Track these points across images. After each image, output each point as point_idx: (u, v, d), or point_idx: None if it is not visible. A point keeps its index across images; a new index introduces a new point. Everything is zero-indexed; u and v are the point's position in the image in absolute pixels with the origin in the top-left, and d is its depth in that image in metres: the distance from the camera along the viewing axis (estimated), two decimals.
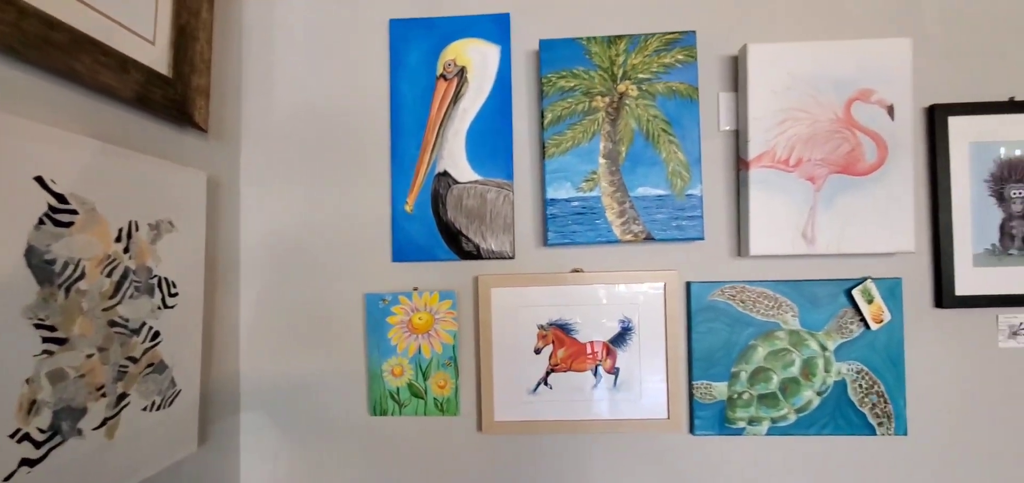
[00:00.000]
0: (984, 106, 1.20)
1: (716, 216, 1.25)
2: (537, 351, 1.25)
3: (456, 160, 1.27)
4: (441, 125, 1.27)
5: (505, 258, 1.25)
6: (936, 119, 1.20)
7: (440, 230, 1.26)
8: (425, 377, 1.26)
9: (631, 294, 1.24)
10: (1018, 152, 1.20)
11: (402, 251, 1.28)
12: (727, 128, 1.25)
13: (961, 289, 1.20)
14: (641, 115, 1.21)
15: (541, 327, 1.25)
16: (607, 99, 1.21)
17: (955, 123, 1.20)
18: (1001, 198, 1.20)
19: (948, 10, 1.24)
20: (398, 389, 1.27)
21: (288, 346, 1.31)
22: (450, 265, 1.29)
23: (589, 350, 1.25)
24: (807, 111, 1.18)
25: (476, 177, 1.26)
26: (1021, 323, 1.21)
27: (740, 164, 1.23)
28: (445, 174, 1.27)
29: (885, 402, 1.20)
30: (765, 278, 1.24)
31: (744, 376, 1.22)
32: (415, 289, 1.27)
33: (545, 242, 1.23)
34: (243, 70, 1.34)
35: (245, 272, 1.32)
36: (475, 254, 1.26)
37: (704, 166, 1.24)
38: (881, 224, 1.17)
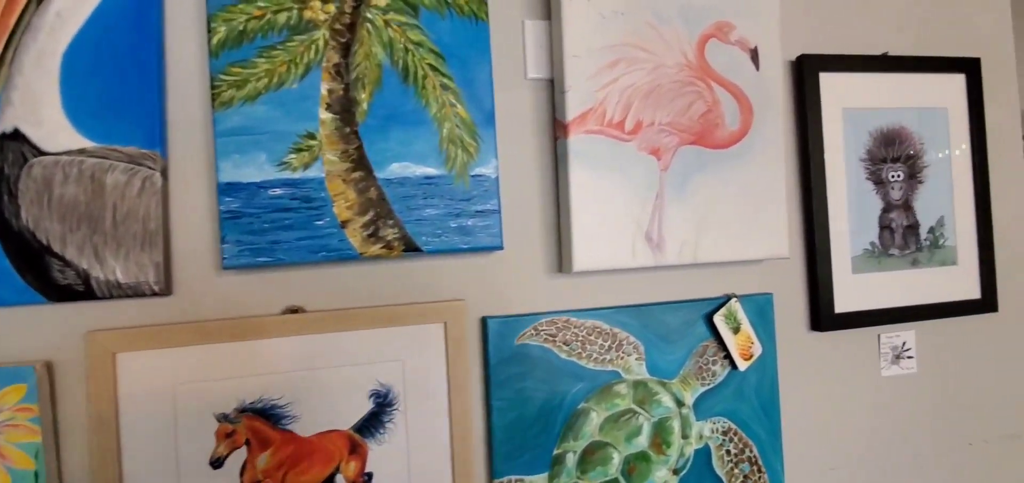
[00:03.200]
0: (858, 61, 0.91)
1: (525, 212, 0.80)
2: (217, 462, 0.68)
3: (39, 109, 0.65)
4: (9, 44, 0.65)
5: (147, 295, 0.67)
6: (805, 74, 0.89)
7: (4, 245, 0.64)
8: None
9: (389, 346, 0.73)
10: (894, 122, 0.93)
11: None
12: (538, 75, 0.80)
13: (841, 305, 0.90)
14: (395, 41, 0.71)
15: (225, 418, 0.69)
16: (333, 8, 0.70)
17: (827, 82, 0.90)
18: (878, 182, 0.92)
19: None
20: None
21: None
22: (27, 314, 0.66)
23: (318, 449, 0.71)
24: (648, 49, 0.78)
25: (82, 143, 0.65)
26: (904, 343, 0.94)
27: (557, 129, 0.79)
28: (16, 136, 0.65)
29: (759, 471, 0.85)
30: (598, 304, 0.82)
31: (572, 460, 0.79)
32: None
33: (222, 263, 0.67)
34: None
35: None
36: (81, 290, 0.65)
37: (503, 131, 0.79)
38: (748, 219, 0.82)
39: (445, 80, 0.72)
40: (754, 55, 0.81)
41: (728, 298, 0.84)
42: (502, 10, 0.79)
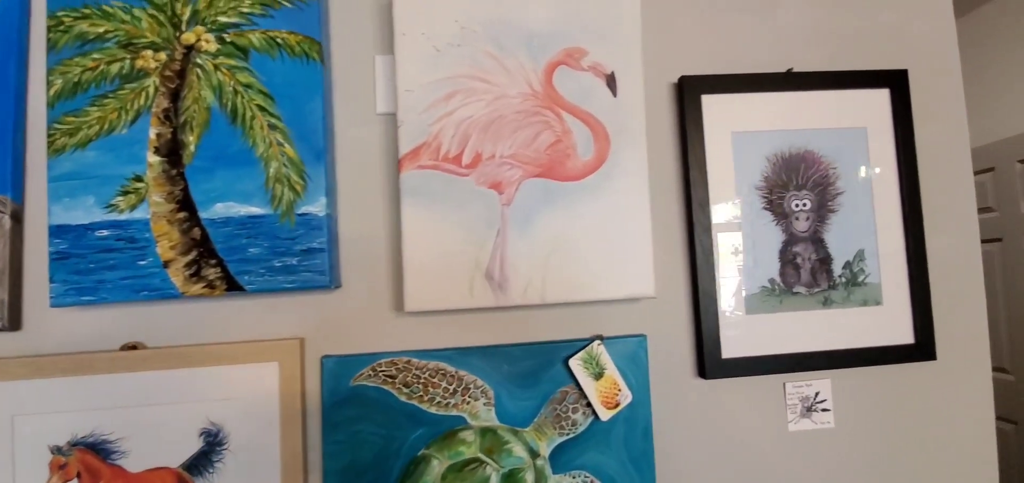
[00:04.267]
0: (751, 80, 0.83)
1: (368, 249, 0.78)
2: None
3: None
4: None
5: None
6: (686, 98, 0.82)
7: None
8: None
9: (222, 385, 0.74)
10: (799, 146, 0.84)
11: None
12: (385, 110, 0.79)
13: (731, 349, 0.80)
14: (224, 84, 0.73)
15: (58, 450, 0.71)
16: (164, 56, 0.72)
17: (712, 104, 0.82)
18: (779, 213, 0.83)
19: None
20: None
21: None
22: None
23: None
24: (487, 80, 0.75)
25: None
26: (817, 394, 0.83)
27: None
28: None
29: None
30: (442, 345, 0.78)
31: None
32: None
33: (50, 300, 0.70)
34: None
35: None
36: None
37: (349, 167, 0.78)
38: (607, 255, 0.76)
39: (273, 120, 0.73)
40: (610, 81, 0.76)
41: (591, 339, 0.77)
42: (355, 44, 0.79)
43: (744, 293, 0.81)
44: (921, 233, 0.83)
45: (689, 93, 0.81)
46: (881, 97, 0.85)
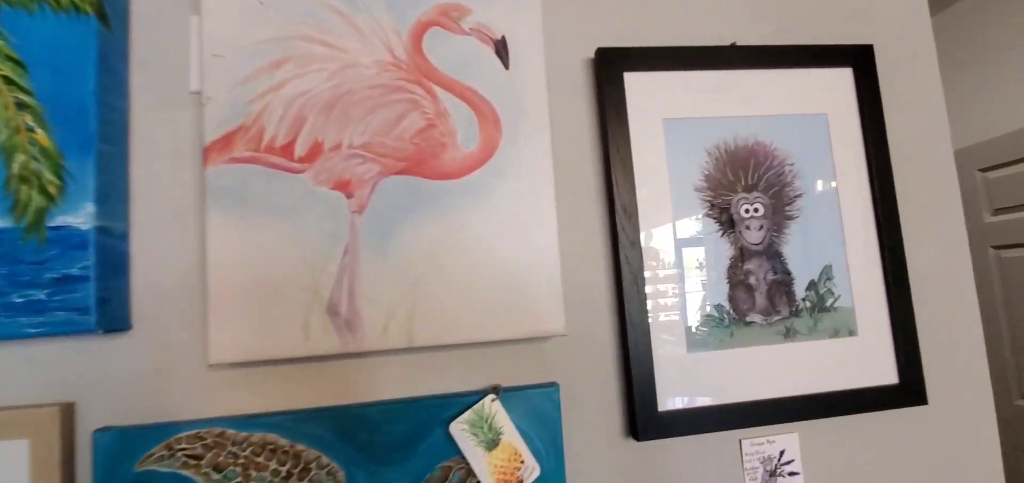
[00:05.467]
0: (685, 55, 0.66)
1: (170, 277, 0.57)
2: None
3: None
4: None
5: None
6: (604, 75, 0.64)
7: None
8: None
9: None
10: (747, 136, 0.67)
11: None
12: (200, 88, 0.59)
13: (669, 399, 0.61)
14: None
15: None
16: None
17: (637, 84, 0.65)
18: (726, 221, 0.66)
19: None
20: None
21: None
22: None
23: None
24: (331, 44, 0.56)
25: None
26: (782, 453, 0.65)
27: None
28: None
29: None
30: (270, 409, 0.57)
31: None
32: None
33: None
34: None
35: None
36: None
37: (150, 163, 0.57)
38: (499, 279, 0.56)
39: (23, 97, 0.52)
40: (500, 47, 0.58)
41: (483, 394, 0.57)
42: (162, 1, 0.60)
43: (685, 325, 0.63)
44: (900, 243, 0.66)
45: (608, 69, 0.64)
46: (843, 78, 0.69)
